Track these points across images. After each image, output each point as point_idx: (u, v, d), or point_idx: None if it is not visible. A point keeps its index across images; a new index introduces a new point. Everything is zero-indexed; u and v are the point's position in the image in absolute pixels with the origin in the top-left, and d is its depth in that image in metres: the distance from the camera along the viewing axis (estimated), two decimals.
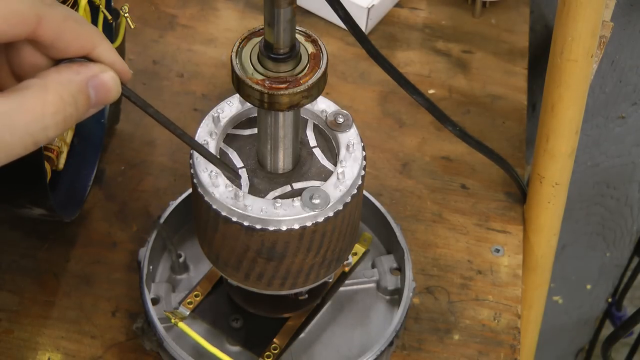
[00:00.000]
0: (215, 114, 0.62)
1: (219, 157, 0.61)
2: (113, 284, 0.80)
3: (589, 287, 1.50)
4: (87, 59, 0.46)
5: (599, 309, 1.55)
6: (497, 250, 0.84)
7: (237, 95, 0.62)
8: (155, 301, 0.73)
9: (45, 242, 0.82)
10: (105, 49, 0.47)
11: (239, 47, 0.55)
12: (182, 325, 0.70)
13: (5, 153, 0.43)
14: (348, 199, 0.59)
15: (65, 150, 0.81)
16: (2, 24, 0.43)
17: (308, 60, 0.55)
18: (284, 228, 0.58)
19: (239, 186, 0.60)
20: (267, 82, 0.54)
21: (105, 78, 0.46)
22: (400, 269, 0.77)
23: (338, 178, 0.59)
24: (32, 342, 0.76)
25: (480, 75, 0.99)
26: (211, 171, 0.59)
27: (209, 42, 1.00)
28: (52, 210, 0.70)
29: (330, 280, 0.73)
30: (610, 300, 1.52)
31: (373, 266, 0.78)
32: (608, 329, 1.49)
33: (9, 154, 0.43)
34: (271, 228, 0.58)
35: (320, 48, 0.56)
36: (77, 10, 0.73)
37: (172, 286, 0.76)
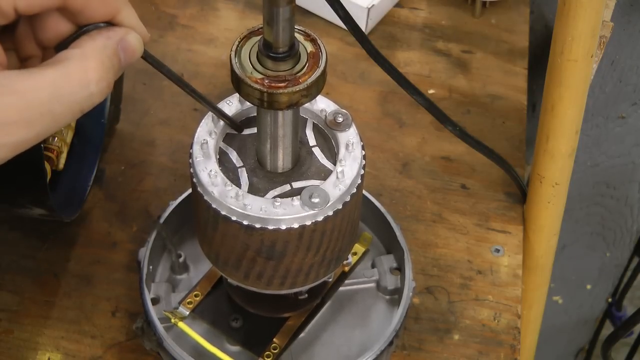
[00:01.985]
0: None
1: (218, 156, 0.61)
2: (113, 284, 0.80)
3: (589, 287, 1.51)
4: (110, 23, 0.48)
5: (599, 309, 1.55)
6: (497, 250, 0.84)
7: (236, 95, 0.62)
8: (155, 301, 0.73)
9: (45, 242, 0.82)
10: (128, 13, 0.49)
11: (238, 46, 0.55)
12: (182, 325, 0.70)
13: (55, 122, 0.45)
14: (347, 198, 0.59)
15: (65, 150, 0.81)
16: None
17: (307, 59, 0.55)
18: (283, 227, 0.58)
19: (238, 182, 0.60)
20: (266, 81, 0.54)
21: (130, 40, 0.49)
22: (400, 269, 0.77)
23: (337, 177, 0.59)
24: (32, 342, 0.76)
25: (480, 75, 0.99)
26: (211, 170, 0.59)
27: (209, 42, 1.00)
28: (52, 210, 0.70)
29: (330, 279, 0.73)
30: (610, 300, 1.52)
31: (373, 266, 0.78)
32: (608, 329, 1.50)
33: (58, 123, 0.45)
34: (270, 227, 0.58)
35: (319, 47, 0.56)
36: None
37: (172, 286, 0.76)
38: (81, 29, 0.48)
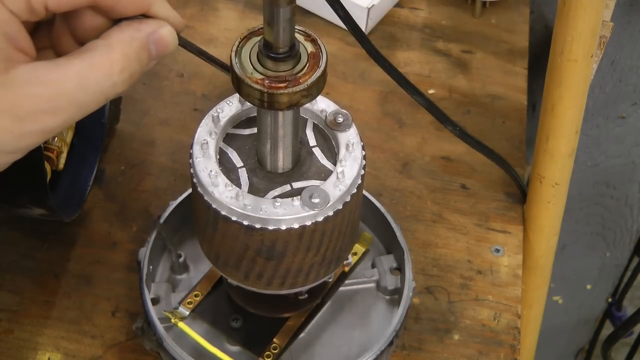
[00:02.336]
0: (215, 114, 0.62)
1: (218, 157, 0.61)
2: (113, 284, 0.80)
3: (589, 287, 1.51)
4: (145, 16, 0.49)
5: (599, 309, 1.55)
6: (497, 250, 0.84)
7: (236, 95, 0.62)
8: (155, 301, 0.73)
9: (45, 242, 0.82)
10: (160, 6, 0.50)
11: (238, 46, 0.55)
12: (182, 325, 0.70)
13: (80, 110, 0.47)
14: (348, 199, 0.59)
15: (65, 150, 0.81)
16: None
17: (307, 60, 0.55)
18: (283, 227, 0.58)
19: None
20: (267, 82, 0.54)
21: (163, 33, 0.50)
22: (400, 269, 0.77)
23: (338, 177, 0.59)
24: (32, 342, 0.76)
25: (480, 75, 0.99)
26: (211, 171, 0.59)
27: (209, 42, 1.00)
28: (52, 210, 0.70)
29: (330, 280, 0.73)
30: (610, 300, 1.52)
31: (373, 266, 0.78)
32: (608, 329, 1.50)
33: (84, 111, 0.47)
34: (271, 227, 0.58)
35: (320, 47, 0.56)
36: None
37: (172, 286, 0.76)
38: (115, 24, 0.49)
